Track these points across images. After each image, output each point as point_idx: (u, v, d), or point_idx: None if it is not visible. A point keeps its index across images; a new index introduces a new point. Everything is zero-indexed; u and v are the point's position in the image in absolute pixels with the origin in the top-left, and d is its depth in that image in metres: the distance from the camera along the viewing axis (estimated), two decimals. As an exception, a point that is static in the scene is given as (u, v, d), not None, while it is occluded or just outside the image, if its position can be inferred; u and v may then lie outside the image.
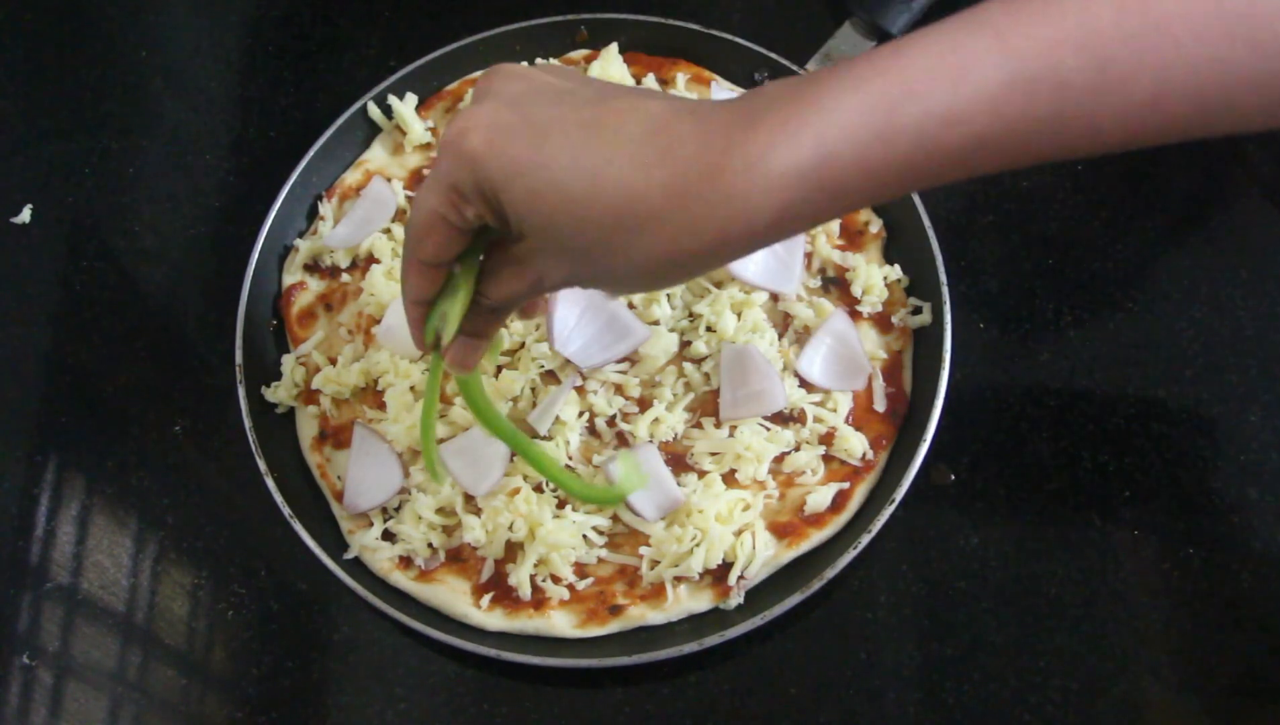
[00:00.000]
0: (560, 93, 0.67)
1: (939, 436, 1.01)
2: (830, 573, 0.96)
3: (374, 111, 1.22)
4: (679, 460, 1.05)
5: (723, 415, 1.04)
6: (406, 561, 1.02)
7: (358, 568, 1.02)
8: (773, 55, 1.21)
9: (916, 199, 1.11)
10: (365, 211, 1.17)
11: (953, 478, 1.07)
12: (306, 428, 1.10)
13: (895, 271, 1.12)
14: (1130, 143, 0.62)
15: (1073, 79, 0.58)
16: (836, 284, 1.12)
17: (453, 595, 1.00)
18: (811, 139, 0.59)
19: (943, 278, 1.08)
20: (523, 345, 1.08)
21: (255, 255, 1.13)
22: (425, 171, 1.18)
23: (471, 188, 0.66)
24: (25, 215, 1.26)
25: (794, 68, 1.20)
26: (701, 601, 0.99)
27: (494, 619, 0.99)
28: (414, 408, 1.05)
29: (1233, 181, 1.22)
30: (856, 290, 1.11)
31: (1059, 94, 0.58)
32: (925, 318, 1.09)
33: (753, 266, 1.09)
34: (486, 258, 0.74)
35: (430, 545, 1.02)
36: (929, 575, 1.03)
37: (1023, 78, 0.58)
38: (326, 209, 1.18)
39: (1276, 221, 1.20)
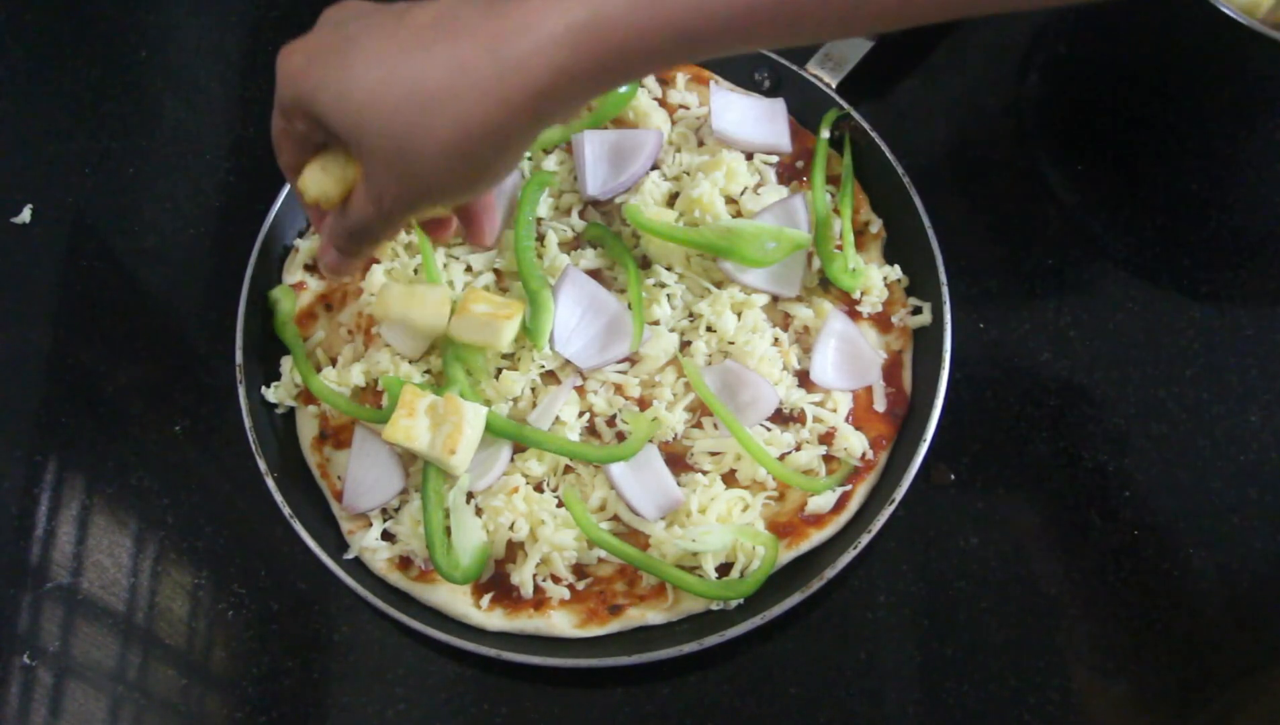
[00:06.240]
0: (380, 11, 0.70)
1: (939, 436, 1.01)
2: (830, 573, 0.96)
3: (374, 111, 1.22)
4: (679, 460, 1.05)
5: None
6: (406, 562, 1.02)
7: (358, 568, 1.02)
8: (772, 55, 1.21)
9: (916, 199, 1.11)
10: (365, 211, 1.17)
11: (953, 478, 1.07)
12: (306, 428, 1.10)
13: (895, 271, 1.12)
14: (904, 12, 0.63)
15: None
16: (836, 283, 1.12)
17: (453, 595, 1.00)
18: (581, 1, 0.62)
19: (943, 278, 1.08)
20: (523, 346, 1.08)
21: (255, 255, 1.13)
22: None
23: (292, 103, 0.71)
24: (25, 215, 1.26)
25: (794, 68, 1.20)
26: (701, 601, 0.99)
27: (494, 619, 0.99)
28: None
29: (1231, 185, 1.22)
30: (856, 290, 1.11)
31: None
32: (925, 318, 1.09)
33: (753, 274, 1.09)
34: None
35: (430, 545, 1.02)
36: (929, 575, 1.03)
37: None
38: (326, 209, 1.18)
39: (1276, 222, 1.20)
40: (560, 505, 1.01)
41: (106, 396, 1.16)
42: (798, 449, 1.04)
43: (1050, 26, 1.33)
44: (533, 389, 1.07)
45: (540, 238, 1.13)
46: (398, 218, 0.75)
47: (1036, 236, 1.19)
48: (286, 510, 1.01)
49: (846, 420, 1.05)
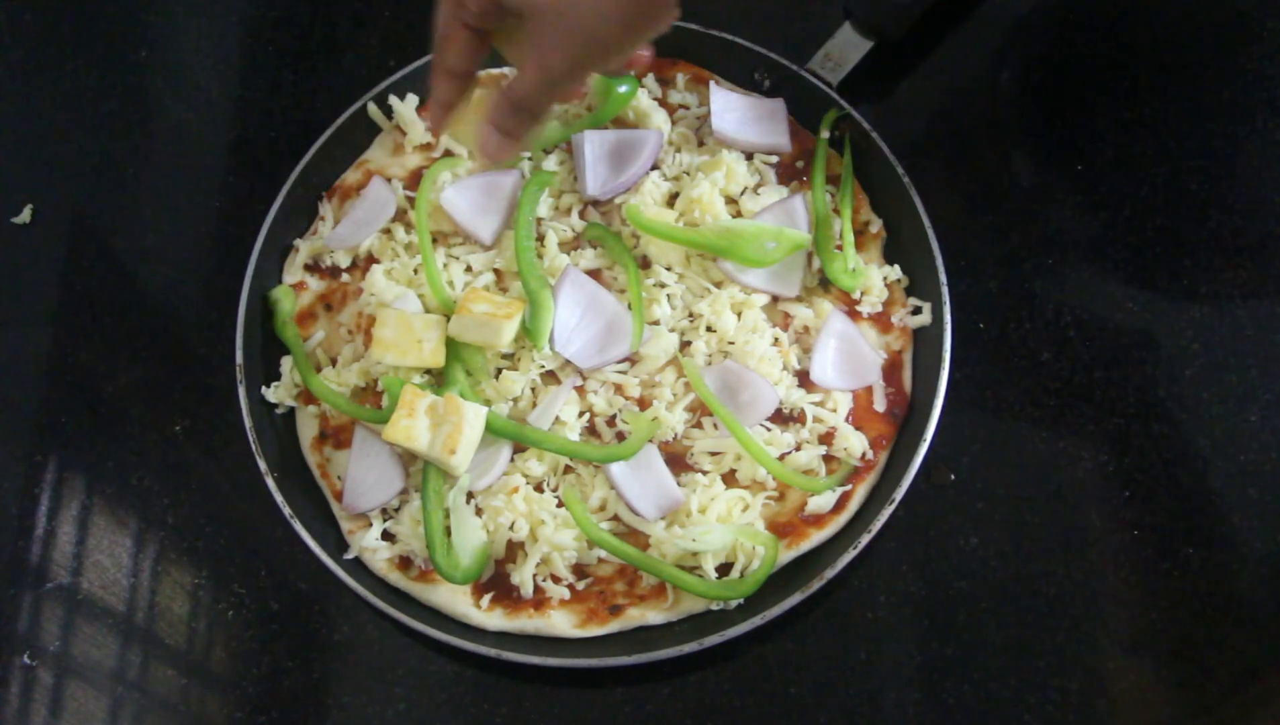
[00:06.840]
0: None
1: (939, 436, 1.01)
2: (830, 573, 0.96)
3: (374, 111, 1.22)
4: (679, 460, 1.05)
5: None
6: (406, 562, 1.02)
7: (358, 568, 1.02)
8: (773, 55, 1.20)
9: (916, 199, 1.11)
10: (365, 211, 1.17)
11: (953, 478, 1.07)
12: (306, 428, 1.10)
13: (895, 271, 1.12)
14: None
15: None
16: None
17: (452, 595, 1.00)
18: None
19: (943, 278, 1.08)
20: (523, 346, 1.08)
21: (255, 255, 1.13)
22: (425, 171, 1.18)
23: None
24: (25, 215, 1.26)
25: (794, 67, 1.20)
26: (701, 601, 0.99)
27: (494, 619, 0.99)
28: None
29: (1231, 185, 1.22)
30: (856, 290, 1.11)
31: None
32: (925, 318, 1.09)
33: (753, 274, 1.09)
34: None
35: (430, 545, 1.02)
36: (929, 575, 1.03)
37: None
38: (326, 209, 1.18)
39: (1276, 222, 1.20)
40: (560, 505, 1.01)
41: (106, 396, 1.16)
42: (798, 449, 1.04)
43: (1052, 29, 1.33)
44: (533, 389, 1.07)
45: (540, 238, 1.13)
46: (563, 82, 0.79)
47: (1037, 237, 1.19)
48: (286, 510, 1.01)
49: (846, 420, 1.05)
